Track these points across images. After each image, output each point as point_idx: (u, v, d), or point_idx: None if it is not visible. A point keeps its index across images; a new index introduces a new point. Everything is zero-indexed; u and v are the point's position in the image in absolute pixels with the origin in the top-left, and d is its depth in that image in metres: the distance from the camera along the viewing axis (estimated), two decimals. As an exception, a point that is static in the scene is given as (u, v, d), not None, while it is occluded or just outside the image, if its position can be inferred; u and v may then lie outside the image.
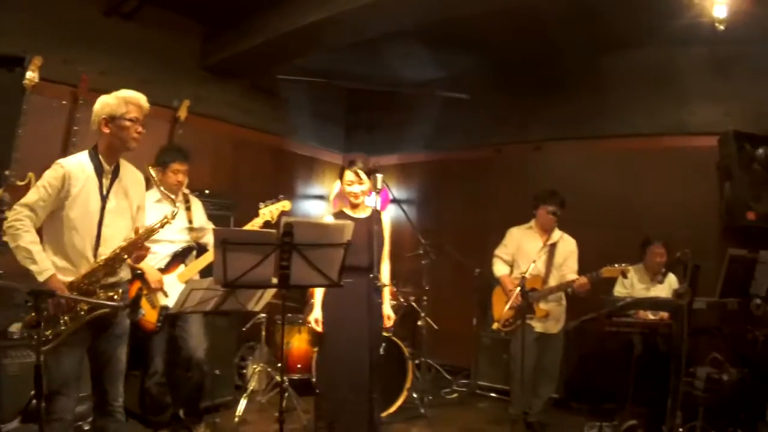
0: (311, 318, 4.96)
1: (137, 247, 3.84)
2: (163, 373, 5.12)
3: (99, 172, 3.80)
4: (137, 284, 4.98)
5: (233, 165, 8.14)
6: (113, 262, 3.75)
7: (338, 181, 5.24)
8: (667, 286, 5.97)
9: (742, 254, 5.70)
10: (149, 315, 4.96)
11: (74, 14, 6.36)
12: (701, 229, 7.09)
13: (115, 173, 3.89)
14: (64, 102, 6.17)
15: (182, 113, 7.07)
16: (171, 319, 5.03)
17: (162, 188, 4.30)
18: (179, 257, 5.23)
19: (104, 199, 3.80)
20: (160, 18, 7.11)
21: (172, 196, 4.10)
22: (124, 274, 3.95)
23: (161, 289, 5.01)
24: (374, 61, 8.56)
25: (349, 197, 5.10)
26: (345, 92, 10.10)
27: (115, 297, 3.74)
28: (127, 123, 3.76)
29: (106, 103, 3.79)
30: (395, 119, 9.90)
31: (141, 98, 3.85)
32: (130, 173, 4.04)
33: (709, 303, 5.31)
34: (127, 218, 3.96)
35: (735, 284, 5.60)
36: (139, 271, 4.96)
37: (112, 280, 3.80)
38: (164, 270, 5.13)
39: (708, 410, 5.12)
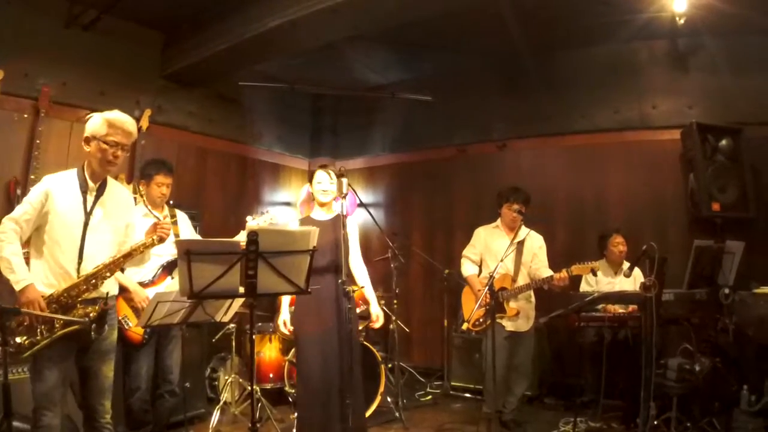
0: (279, 321, 4.91)
1: (120, 266, 3.86)
2: (147, 389, 5.04)
3: (83, 189, 3.83)
4: (120, 299, 4.91)
5: (197, 174, 8.11)
6: (95, 279, 3.74)
7: (305, 186, 5.21)
8: (633, 280, 6.00)
9: (708, 245, 5.77)
10: (136, 328, 4.88)
11: (34, 27, 6.29)
12: (667, 221, 7.17)
13: (101, 191, 3.91)
14: (25, 115, 6.12)
15: (144, 123, 7.00)
16: (158, 333, 4.97)
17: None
18: (166, 270, 5.17)
19: (87, 215, 3.81)
20: (120, 28, 7.04)
21: (159, 216, 4.07)
22: (107, 289, 3.89)
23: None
24: (337, 66, 8.54)
25: (317, 195, 5.06)
26: (309, 97, 10.06)
27: (92, 314, 3.70)
28: (104, 145, 3.76)
29: (91, 122, 3.82)
30: (360, 123, 9.92)
31: (127, 122, 3.84)
32: (116, 191, 4.05)
33: (677, 294, 5.35)
34: (112, 235, 3.97)
35: (702, 275, 5.66)
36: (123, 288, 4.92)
37: (93, 295, 3.78)
38: (152, 282, 5.07)
39: (682, 400, 5.15)
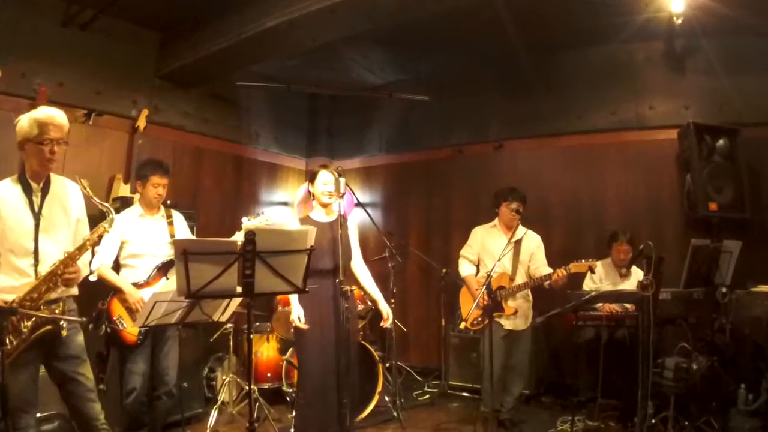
0: (293, 317, 4.86)
1: (75, 260, 3.74)
2: (142, 390, 5.01)
3: (28, 192, 3.74)
4: (114, 300, 4.92)
5: (194, 174, 8.10)
6: (53, 277, 3.65)
7: (303, 186, 5.21)
8: (634, 280, 6.01)
9: (705, 244, 5.76)
10: (131, 328, 4.87)
11: (31, 26, 6.29)
12: (664, 221, 7.19)
13: (45, 189, 3.82)
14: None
15: (141, 123, 7.01)
16: (153, 334, 4.95)
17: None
18: (161, 270, 5.15)
19: (37, 216, 3.73)
20: (117, 28, 7.04)
21: (106, 205, 3.96)
22: (63, 290, 3.81)
23: (140, 309, 4.90)
24: (334, 66, 8.55)
25: (321, 196, 5.05)
26: (306, 97, 10.04)
27: (56, 311, 3.67)
28: (40, 146, 3.67)
29: (20, 126, 3.70)
30: (357, 123, 9.93)
31: (57, 116, 3.73)
32: (62, 187, 3.96)
33: (674, 293, 5.35)
34: (65, 233, 3.88)
35: (699, 274, 5.66)
36: (117, 289, 4.92)
37: (54, 295, 3.71)
38: (146, 283, 5.05)
39: (679, 399, 5.15)
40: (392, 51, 8.21)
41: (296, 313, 4.83)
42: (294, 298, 4.87)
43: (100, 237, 3.86)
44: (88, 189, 3.81)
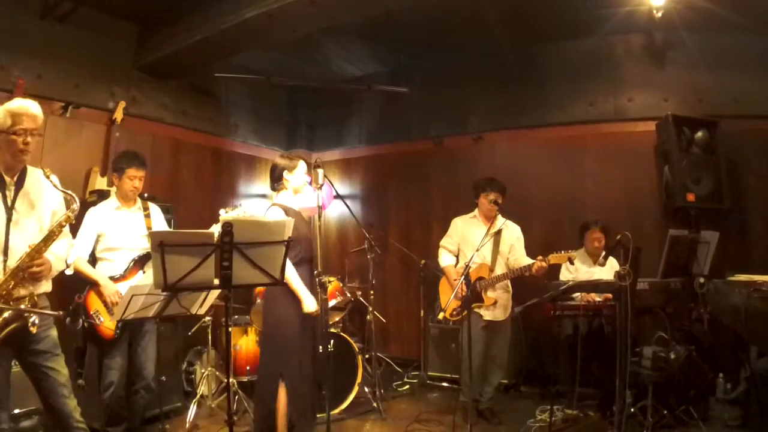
0: (311, 307, 4.76)
1: (41, 252, 3.67)
2: (120, 385, 4.98)
3: (1, 185, 3.68)
4: (91, 294, 4.88)
5: (172, 167, 8.02)
6: (19, 272, 3.58)
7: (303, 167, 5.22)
8: (609, 269, 6.03)
9: (683, 234, 5.80)
10: (108, 323, 4.83)
11: (9, 18, 6.21)
12: (642, 212, 7.23)
13: (20, 182, 3.76)
14: (1, 108, 6.03)
15: (118, 115, 6.94)
16: (130, 328, 4.92)
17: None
18: (138, 264, 5.11)
19: (9, 210, 3.67)
20: (96, 20, 6.94)
21: (70, 193, 3.89)
22: (35, 288, 3.74)
23: (118, 301, 4.85)
24: (314, 57, 8.52)
25: (305, 186, 5.16)
26: (285, 89, 9.99)
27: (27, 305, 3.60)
28: (13, 137, 3.60)
29: None
30: (336, 115, 9.94)
31: (30, 107, 3.67)
32: (37, 180, 3.88)
33: (652, 283, 5.38)
34: (36, 227, 3.80)
35: (677, 264, 5.70)
36: (93, 283, 4.87)
37: (23, 292, 3.63)
38: (122, 277, 5.01)
39: (658, 389, 5.18)
40: (372, 43, 8.19)
41: (312, 303, 4.74)
42: (301, 287, 4.76)
43: (62, 225, 3.78)
44: (50, 177, 3.75)
